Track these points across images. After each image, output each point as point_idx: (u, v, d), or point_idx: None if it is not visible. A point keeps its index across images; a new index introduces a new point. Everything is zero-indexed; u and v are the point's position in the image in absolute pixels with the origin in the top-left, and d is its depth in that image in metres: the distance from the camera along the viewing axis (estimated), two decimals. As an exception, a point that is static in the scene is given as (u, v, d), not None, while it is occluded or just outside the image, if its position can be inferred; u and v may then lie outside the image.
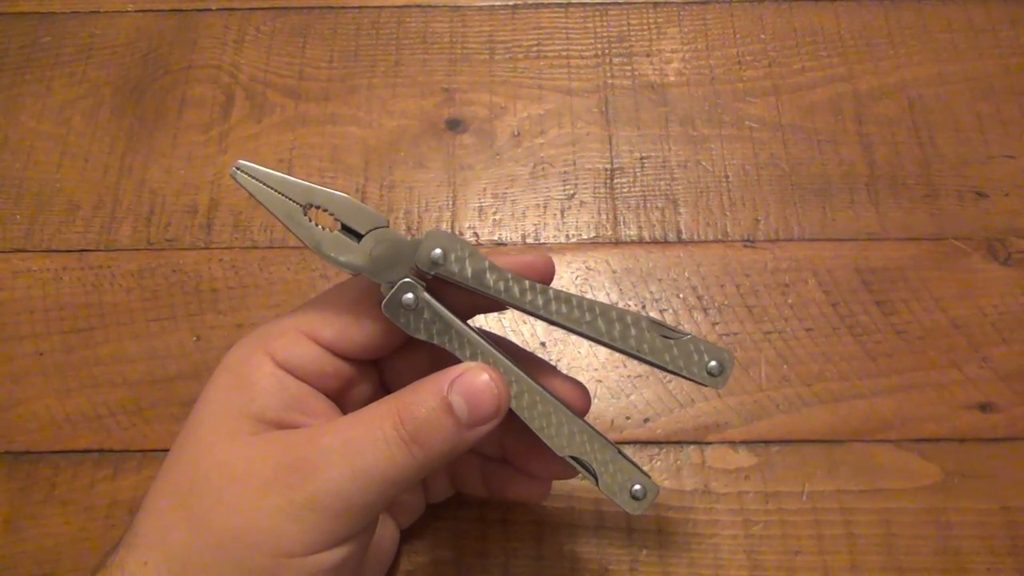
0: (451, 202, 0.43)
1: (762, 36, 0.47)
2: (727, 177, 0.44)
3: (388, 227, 0.28)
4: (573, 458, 0.28)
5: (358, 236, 0.27)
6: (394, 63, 0.47)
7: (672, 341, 0.29)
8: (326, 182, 0.44)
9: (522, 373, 0.28)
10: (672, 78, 0.46)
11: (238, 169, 0.27)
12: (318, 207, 0.27)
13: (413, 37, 0.48)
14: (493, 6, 0.49)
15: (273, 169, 0.27)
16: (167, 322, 0.40)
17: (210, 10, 0.49)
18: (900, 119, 0.45)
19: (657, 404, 0.38)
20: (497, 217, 0.43)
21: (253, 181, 0.27)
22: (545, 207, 0.43)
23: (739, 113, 0.45)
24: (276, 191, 0.27)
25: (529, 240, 0.42)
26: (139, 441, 0.38)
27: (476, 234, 0.42)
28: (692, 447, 0.37)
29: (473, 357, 0.28)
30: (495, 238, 0.42)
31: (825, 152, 0.44)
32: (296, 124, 0.45)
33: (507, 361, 0.28)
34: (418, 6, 0.49)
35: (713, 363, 0.29)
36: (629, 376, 0.39)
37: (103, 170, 0.44)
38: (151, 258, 0.42)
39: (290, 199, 0.27)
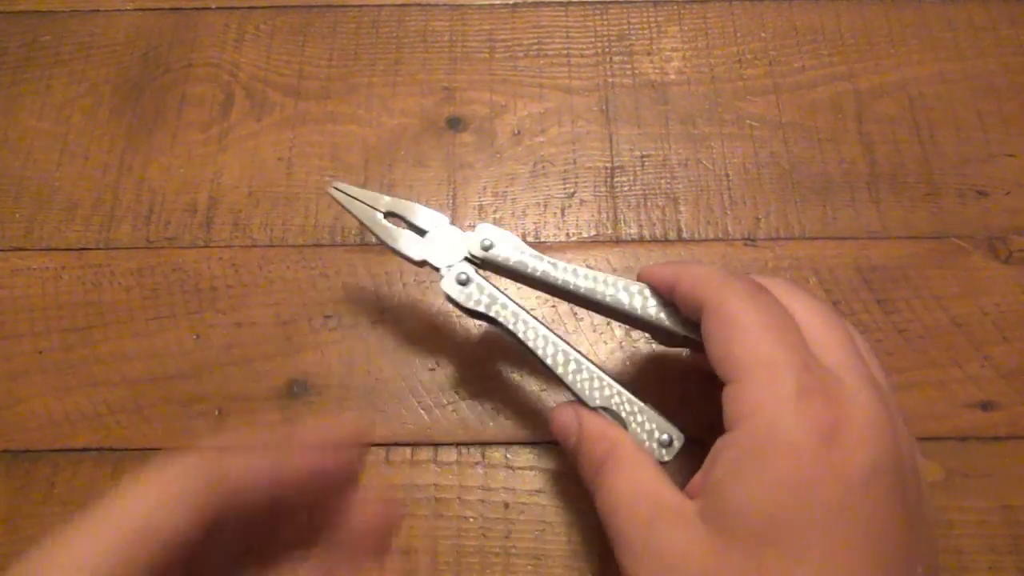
0: (451, 200, 0.43)
1: (762, 35, 0.47)
2: (728, 176, 0.44)
3: (448, 224, 0.34)
4: (604, 408, 0.31)
5: (423, 232, 0.35)
6: (394, 61, 0.47)
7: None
8: (326, 181, 0.44)
9: (556, 336, 0.32)
10: (672, 76, 0.46)
11: (335, 188, 0.36)
12: (393, 213, 0.35)
13: (413, 36, 0.48)
14: (493, 4, 0.49)
15: (355, 187, 0.35)
16: (167, 320, 0.40)
17: (210, 8, 0.49)
18: (901, 118, 0.45)
19: (660, 404, 0.38)
20: (497, 216, 0.43)
21: (346, 196, 0.35)
22: (545, 206, 0.43)
23: (740, 112, 0.45)
24: (362, 202, 0.35)
25: (529, 238, 0.42)
26: (139, 440, 0.38)
27: (476, 233, 0.42)
28: (694, 446, 0.37)
29: (516, 323, 0.33)
30: (495, 237, 0.42)
31: (826, 151, 0.44)
32: (296, 123, 0.45)
33: (543, 327, 0.33)
34: (418, 5, 0.49)
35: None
36: (630, 375, 0.39)
37: (102, 168, 0.44)
38: (150, 256, 0.42)
39: (373, 207, 0.35)
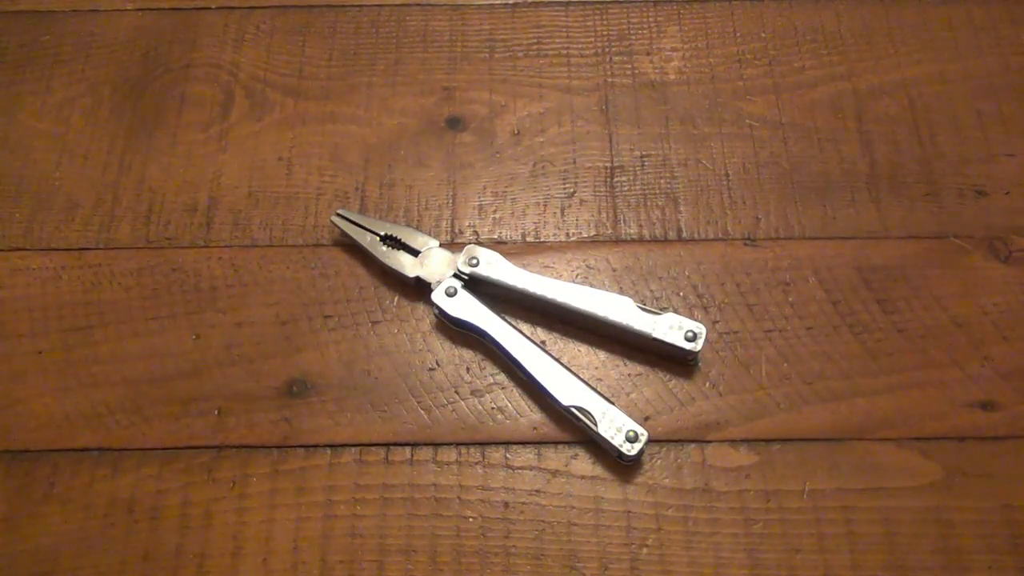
0: (451, 200, 0.43)
1: (762, 34, 0.47)
2: (727, 175, 0.44)
3: (438, 246, 0.40)
4: (575, 407, 0.35)
5: (416, 253, 0.40)
6: (394, 61, 0.47)
7: (656, 317, 0.37)
8: (325, 181, 0.44)
9: (532, 343, 0.37)
10: (672, 76, 0.46)
11: (337, 215, 0.41)
12: (390, 236, 0.40)
13: (413, 35, 0.48)
14: (493, 4, 0.49)
15: (355, 214, 0.41)
16: (166, 320, 0.40)
17: (210, 8, 0.49)
18: (901, 117, 0.45)
19: (657, 402, 0.38)
20: (497, 215, 0.43)
21: (347, 222, 0.40)
22: (545, 205, 0.43)
23: (739, 111, 0.45)
24: (362, 227, 0.40)
25: (529, 238, 0.42)
26: (138, 440, 0.38)
27: (476, 232, 0.42)
28: (692, 445, 0.37)
29: (496, 331, 0.37)
30: (495, 236, 0.42)
31: (826, 150, 0.44)
32: (296, 122, 0.45)
33: (521, 335, 0.37)
34: (418, 4, 0.49)
35: (690, 331, 0.37)
36: (629, 375, 0.39)
37: (102, 168, 0.44)
38: (150, 256, 0.42)
39: (372, 232, 0.40)
